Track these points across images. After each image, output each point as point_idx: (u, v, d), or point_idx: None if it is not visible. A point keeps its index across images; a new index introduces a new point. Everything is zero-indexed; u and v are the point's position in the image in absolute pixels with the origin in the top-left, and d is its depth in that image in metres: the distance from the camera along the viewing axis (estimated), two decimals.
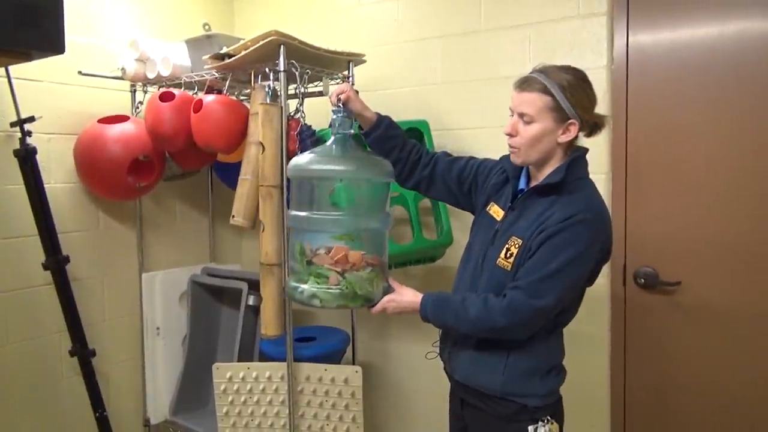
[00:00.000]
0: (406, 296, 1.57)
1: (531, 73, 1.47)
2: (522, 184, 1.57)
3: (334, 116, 1.65)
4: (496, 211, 1.57)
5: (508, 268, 1.47)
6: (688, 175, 2.01)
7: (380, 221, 1.64)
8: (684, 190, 2.02)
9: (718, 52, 1.95)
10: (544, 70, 1.46)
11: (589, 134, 1.51)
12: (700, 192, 2.00)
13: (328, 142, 1.65)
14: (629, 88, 2.08)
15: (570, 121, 1.43)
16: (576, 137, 1.46)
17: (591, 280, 1.52)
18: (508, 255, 1.47)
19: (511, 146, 1.50)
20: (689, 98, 2.00)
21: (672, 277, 2.05)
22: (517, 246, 1.46)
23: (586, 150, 1.52)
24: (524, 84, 1.45)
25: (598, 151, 2.09)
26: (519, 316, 1.41)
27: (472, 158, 1.73)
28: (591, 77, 2.04)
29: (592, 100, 1.48)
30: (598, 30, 2.08)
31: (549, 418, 1.50)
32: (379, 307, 1.57)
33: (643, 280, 2.09)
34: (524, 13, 2.20)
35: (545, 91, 1.42)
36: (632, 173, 2.09)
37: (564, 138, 1.45)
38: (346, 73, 2.17)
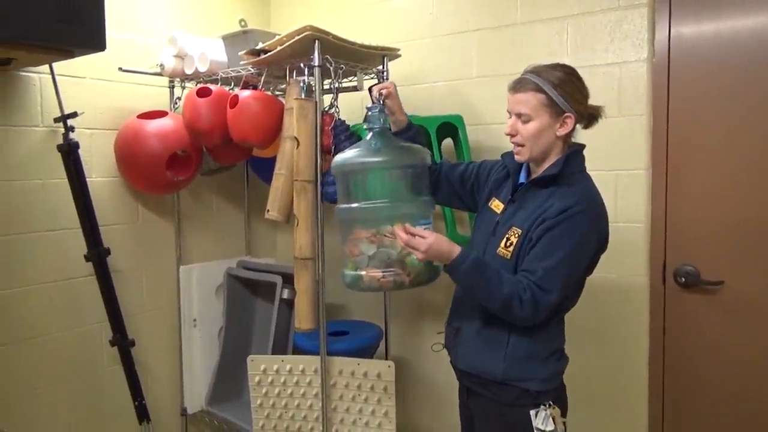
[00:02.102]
0: (443, 243, 1.53)
1: (523, 74, 1.55)
2: (522, 178, 1.63)
3: (371, 111, 1.73)
4: (497, 205, 1.64)
5: (508, 257, 1.52)
6: (731, 171, 1.95)
7: (426, 204, 1.73)
8: (727, 187, 1.96)
9: (766, 43, 1.88)
10: (535, 70, 1.53)
11: (586, 126, 1.59)
12: (744, 189, 1.94)
13: (368, 136, 1.75)
14: (671, 82, 2.02)
15: (566, 114, 1.51)
16: (573, 129, 1.54)
17: (590, 268, 1.57)
18: (507, 244, 1.53)
19: (515, 145, 1.57)
20: (734, 92, 1.94)
21: (714, 276, 1.99)
22: (516, 236, 1.52)
23: (583, 146, 1.59)
24: (517, 85, 1.54)
25: (636, 146, 2.05)
26: (539, 312, 1.46)
27: (471, 162, 1.83)
28: (631, 70, 2.05)
29: (584, 93, 1.55)
30: (639, 21, 2.03)
31: (551, 402, 1.53)
32: (422, 232, 1.54)
33: (683, 279, 2.04)
34: (562, 5, 2.16)
35: (538, 89, 1.50)
36: (673, 169, 2.04)
37: (562, 131, 1.52)
38: (380, 67, 2.16)
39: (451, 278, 1.56)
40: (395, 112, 1.82)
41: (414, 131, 1.86)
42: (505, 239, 1.54)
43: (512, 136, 1.55)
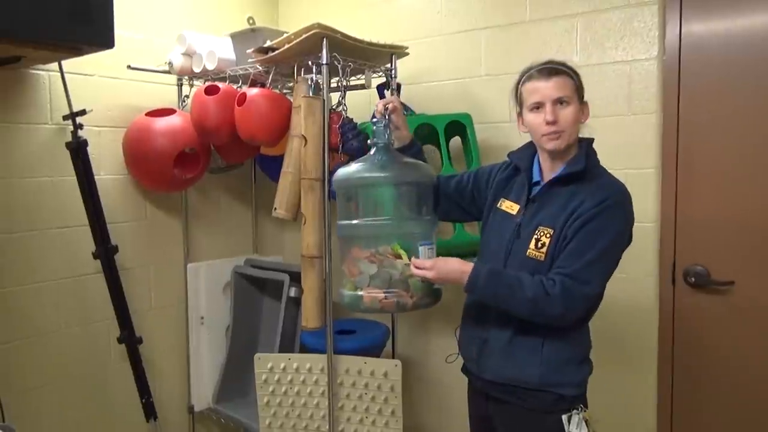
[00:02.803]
0: (453, 262, 1.55)
1: (544, 64, 1.53)
2: (536, 176, 1.59)
3: (376, 126, 1.71)
4: (510, 206, 1.60)
5: (542, 258, 1.48)
6: (742, 171, 1.94)
7: (429, 223, 1.70)
8: (738, 186, 1.95)
9: None
10: (552, 60, 1.54)
11: None
12: (755, 189, 1.92)
13: (371, 151, 1.72)
14: (681, 80, 2.01)
15: (585, 102, 1.53)
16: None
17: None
18: (539, 245, 1.49)
19: (554, 133, 1.50)
20: (746, 91, 1.93)
21: (724, 276, 1.98)
22: (548, 236, 1.48)
23: (593, 139, 1.59)
24: (551, 71, 1.51)
25: (646, 145, 2.04)
26: (573, 304, 1.43)
27: (466, 172, 1.82)
28: (641, 69, 2.03)
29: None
30: (650, 19, 2.02)
31: (582, 406, 1.52)
32: (426, 263, 1.56)
33: (693, 279, 2.02)
34: (571, 3, 2.15)
35: (569, 74, 1.51)
36: (683, 168, 2.02)
37: (584, 119, 1.53)
38: (388, 66, 2.16)
39: (473, 295, 1.54)
40: (400, 128, 1.80)
41: (417, 149, 1.84)
42: (534, 240, 1.50)
43: (554, 123, 1.48)
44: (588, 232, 1.43)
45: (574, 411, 1.50)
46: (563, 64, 1.52)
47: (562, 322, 1.46)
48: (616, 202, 1.46)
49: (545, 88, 1.49)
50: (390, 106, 1.76)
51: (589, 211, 1.44)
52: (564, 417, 1.49)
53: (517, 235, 1.55)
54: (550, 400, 1.51)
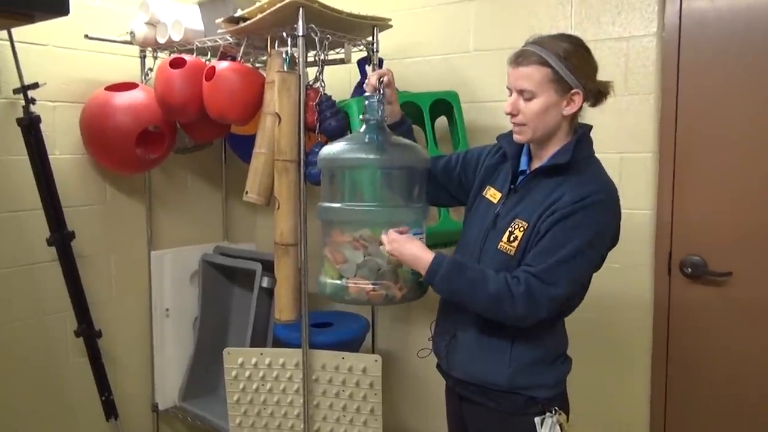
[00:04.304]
0: (415, 245, 1.52)
1: (525, 46, 1.48)
2: (523, 164, 1.57)
3: (369, 101, 1.67)
4: (493, 194, 1.59)
5: (512, 253, 1.47)
6: (743, 156, 1.95)
7: (420, 211, 1.69)
8: (738, 172, 1.96)
9: None
10: (539, 41, 1.46)
11: (593, 104, 1.52)
12: (756, 175, 1.93)
13: (362, 129, 1.68)
14: (681, 59, 2.01)
15: (573, 91, 1.44)
16: (581, 108, 1.48)
17: (599, 265, 1.53)
18: (511, 239, 1.47)
19: (515, 125, 1.50)
20: (749, 71, 1.93)
21: (722, 267, 1.99)
22: (522, 229, 1.46)
23: (590, 127, 1.54)
24: (519, 58, 1.46)
25: (643, 128, 2.04)
26: (536, 306, 1.40)
27: (455, 153, 1.78)
28: (639, 46, 2.02)
29: (593, 66, 1.49)
30: None
31: (557, 408, 1.51)
32: (389, 236, 1.54)
33: (689, 270, 2.04)
34: None
35: (543, 62, 1.42)
36: (682, 153, 2.03)
37: (569, 110, 1.46)
38: (369, 39, 2.13)
39: (432, 289, 1.51)
40: (392, 102, 1.76)
41: (408, 126, 1.82)
42: (508, 233, 1.48)
43: (513, 115, 1.48)
44: (563, 229, 1.40)
45: (548, 414, 1.49)
46: (546, 49, 1.43)
47: (522, 324, 1.45)
48: (600, 200, 1.42)
49: (512, 76, 1.47)
50: (385, 79, 1.71)
51: (567, 207, 1.40)
52: (537, 420, 1.49)
53: (493, 225, 1.53)
54: (521, 402, 1.50)
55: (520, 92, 1.46)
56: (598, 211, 1.42)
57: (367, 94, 1.71)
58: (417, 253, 1.50)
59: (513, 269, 1.45)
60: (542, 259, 1.41)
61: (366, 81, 1.76)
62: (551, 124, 1.47)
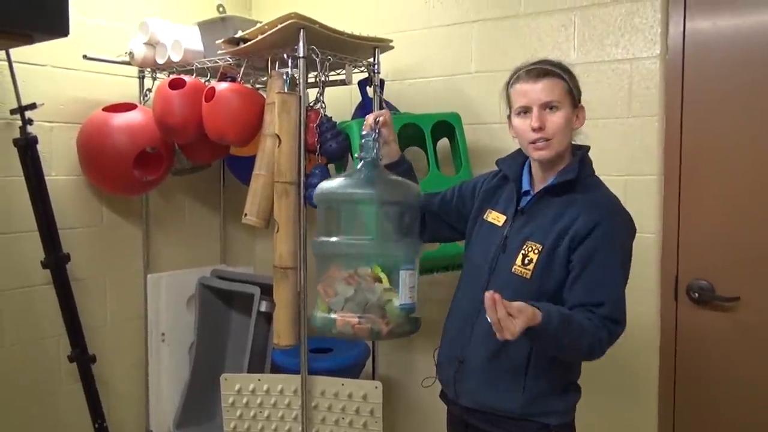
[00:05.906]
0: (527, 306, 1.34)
1: (534, 64, 1.52)
2: (525, 185, 1.60)
3: (365, 140, 1.71)
4: (496, 217, 1.61)
5: (527, 276, 1.48)
6: (749, 179, 1.96)
7: (412, 246, 1.70)
8: (745, 195, 1.97)
9: None
10: (544, 60, 1.54)
11: None
12: (763, 197, 1.94)
13: (357, 166, 1.72)
14: (685, 81, 2.03)
15: (580, 105, 1.53)
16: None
17: None
18: (526, 262, 1.49)
19: (541, 139, 1.48)
20: (753, 93, 1.95)
21: (730, 292, 2.00)
22: (536, 252, 1.48)
23: (588, 147, 1.59)
24: (540, 73, 1.50)
25: (647, 150, 2.06)
26: (611, 344, 1.46)
27: (450, 188, 1.82)
28: (643, 68, 2.05)
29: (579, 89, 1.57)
30: (652, 15, 2.05)
31: None
32: (516, 305, 1.30)
33: (697, 295, 2.04)
34: None
35: (560, 76, 1.49)
36: (687, 176, 2.04)
37: (578, 125, 1.53)
38: (371, 60, 2.16)
39: (531, 342, 1.41)
40: (389, 142, 1.79)
41: (407, 167, 1.83)
42: (521, 256, 1.49)
43: (540, 129, 1.47)
44: (601, 263, 1.44)
45: None
46: (556, 65, 1.51)
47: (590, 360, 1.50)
48: (620, 221, 1.49)
49: (532, 91, 1.48)
50: (381, 119, 1.74)
51: (591, 234, 1.43)
52: None
53: (503, 249, 1.54)
54: (533, 429, 1.51)
55: (546, 105, 1.47)
56: (620, 233, 1.48)
57: (363, 133, 1.74)
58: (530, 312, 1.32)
59: (532, 293, 1.45)
60: (602, 297, 1.43)
61: (364, 122, 1.79)
62: (568, 138, 1.52)
